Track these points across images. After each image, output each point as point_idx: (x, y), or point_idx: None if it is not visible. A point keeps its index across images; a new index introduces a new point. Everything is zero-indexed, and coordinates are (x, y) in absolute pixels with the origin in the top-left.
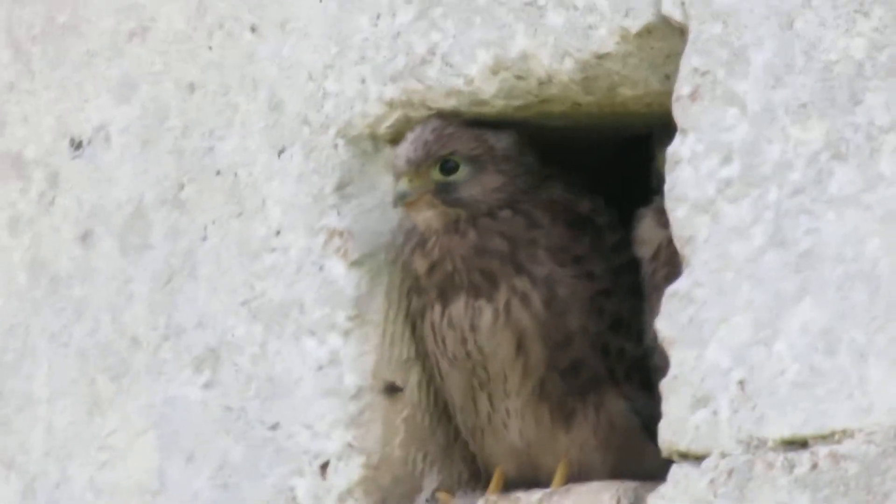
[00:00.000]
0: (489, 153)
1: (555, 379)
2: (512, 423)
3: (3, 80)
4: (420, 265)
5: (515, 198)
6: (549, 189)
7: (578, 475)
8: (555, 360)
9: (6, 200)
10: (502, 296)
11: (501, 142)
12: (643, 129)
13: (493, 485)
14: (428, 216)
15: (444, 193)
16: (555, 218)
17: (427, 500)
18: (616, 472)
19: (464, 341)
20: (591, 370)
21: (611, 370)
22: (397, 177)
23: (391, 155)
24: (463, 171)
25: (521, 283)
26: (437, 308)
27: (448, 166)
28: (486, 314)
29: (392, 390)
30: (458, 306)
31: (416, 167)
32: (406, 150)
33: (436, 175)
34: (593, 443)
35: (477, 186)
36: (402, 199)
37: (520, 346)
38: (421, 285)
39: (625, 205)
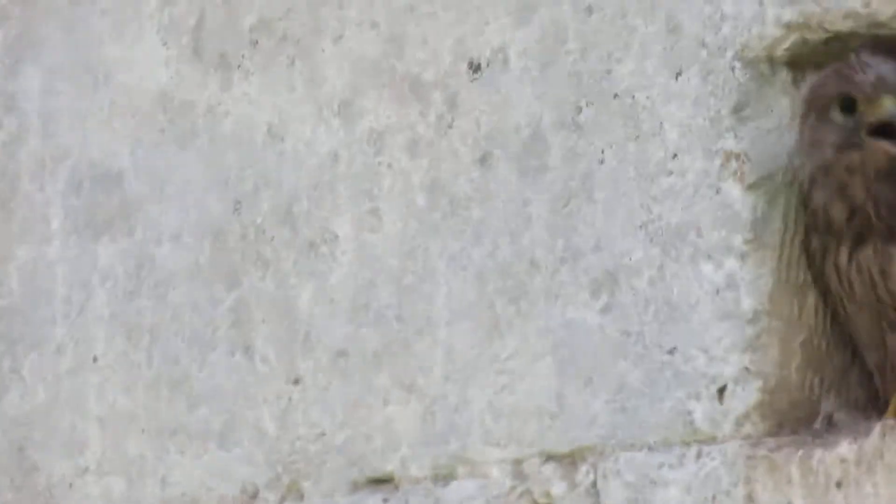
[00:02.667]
0: None
1: None
2: None
3: (402, 2)
4: (838, 211)
5: None
6: None
7: None
8: None
9: (406, 123)
10: None
11: None
12: None
13: (891, 410)
14: None
15: None
16: None
17: (822, 424)
18: None
19: (873, 286)
20: None
21: None
22: (877, 97)
23: (787, 79)
24: None
25: None
26: (844, 251)
27: None
28: None
29: None
30: (868, 251)
31: None
32: None
33: None
34: None
35: None
36: None
37: None
38: (831, 228)
39: None
